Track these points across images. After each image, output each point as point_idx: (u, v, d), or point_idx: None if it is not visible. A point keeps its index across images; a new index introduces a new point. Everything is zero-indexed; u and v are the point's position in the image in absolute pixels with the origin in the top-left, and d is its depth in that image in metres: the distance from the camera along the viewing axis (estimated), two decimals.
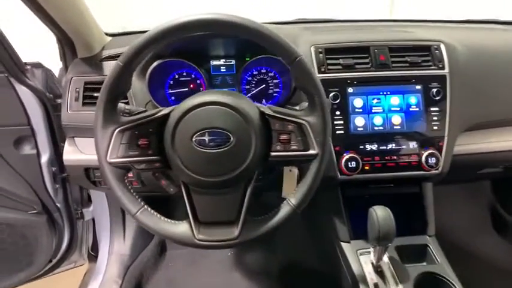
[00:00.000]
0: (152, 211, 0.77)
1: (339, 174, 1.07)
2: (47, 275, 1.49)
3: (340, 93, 1.07)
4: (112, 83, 0.73)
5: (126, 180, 0.76)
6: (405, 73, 1.10)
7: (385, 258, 1.05)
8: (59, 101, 1.27)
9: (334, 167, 1.07)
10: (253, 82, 1.19)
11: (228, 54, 1.18)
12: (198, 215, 0.77)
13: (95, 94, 1.10)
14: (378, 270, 1.03)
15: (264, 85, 1.18)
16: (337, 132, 1.07)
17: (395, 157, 1.08)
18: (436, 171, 1.08)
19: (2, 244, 1.33)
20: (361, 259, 1.08)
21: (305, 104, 0.89)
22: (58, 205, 1.38)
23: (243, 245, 0.77)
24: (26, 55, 1.19)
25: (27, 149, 1.25)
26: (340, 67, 1.09)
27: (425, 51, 1.12)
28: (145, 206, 0.76)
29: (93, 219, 1.63)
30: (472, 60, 1.16)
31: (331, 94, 1.06)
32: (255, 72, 1.18)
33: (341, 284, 1.18)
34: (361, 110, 1.08)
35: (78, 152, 1.14)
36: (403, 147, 1.08)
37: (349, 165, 1.05)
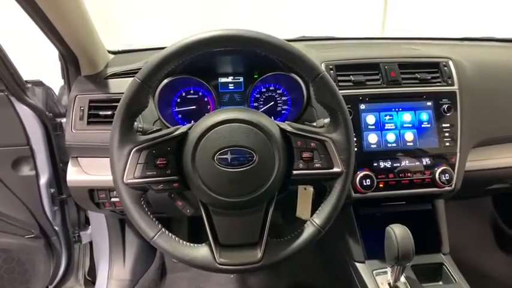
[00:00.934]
0: (170, 234, 0.73)
1: (353, 192, 1.05)
2: None
3: (352, 110, 1.05)
4: (130, 100, 0.70)
5: (142, 202, 0.73)
6: (416, 90, 1.10)
7: (402, 278, 1.02)
8: (58, 120, 1.25)
9: None
10: (262, 99, 1.17)
11: (236, 71, 1.16)
12: (219, 238, 0.73)
13: (101, 112, 1.07)
14: None
15: (272, 102, 1.17)
16: None
17: (409, 174, 1.06)
18: (449, 188, 1.07)
19: None
20: (378, 279, 1.05)
21: (322, 121, 0.88)
22: (56, 228, 1.33)
23: (267, 268, 0.74)
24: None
25: (26, 170, 1.21)
26: (351, 84, 1.08)
27: (434, 68, 1.13)
28: (163, 229, 0.73)
29: (91, 243, 1.57)
30: (480, 77, 1.17)
31: None
32: (263, 90, 1.16)
33: None
34: (373, 127, 1.07)
35: (82, 173, 1.09)
36: (417, 163, 1.07)
37: (364, 183, 1.03)
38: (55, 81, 1.28)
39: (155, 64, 0.69)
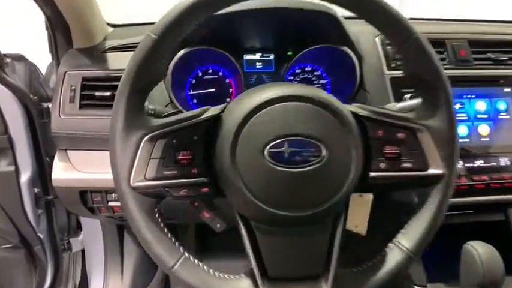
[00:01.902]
0: (196, 261, 0.51)
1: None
2: None
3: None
4: (142, 64, 0.48)
5: (157, 214, 0.50)
6: (490, 72, 0.93)
7: None
8: (45, 104, 1.09)
9: None
10: (295, 82, 0.96)
11: (265, 46, 0.96)
12: (266, 266, 0.51)
13: (96, 93, 0.87)
14: None
15: None
16: None
17: (485, 177, 0.89)
18: None
19: None
20: None
21: (401, 105, 0.67)
22: (40, 236, 1.16)
23: None
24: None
25: (3, 165, 1.06)
26: None
27: (509, 47, 0.96)
28: (186, 254, 0.50)
29: (83, 251, 1.38)
30: None
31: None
32: (297, 71, 0.96)
33: None
34: None
35: (71, 169, 0.89)
36: (493, 164, 0.90)
37: None
38: (41, 59, 1.11)
39: (178, 13, 0.47)
